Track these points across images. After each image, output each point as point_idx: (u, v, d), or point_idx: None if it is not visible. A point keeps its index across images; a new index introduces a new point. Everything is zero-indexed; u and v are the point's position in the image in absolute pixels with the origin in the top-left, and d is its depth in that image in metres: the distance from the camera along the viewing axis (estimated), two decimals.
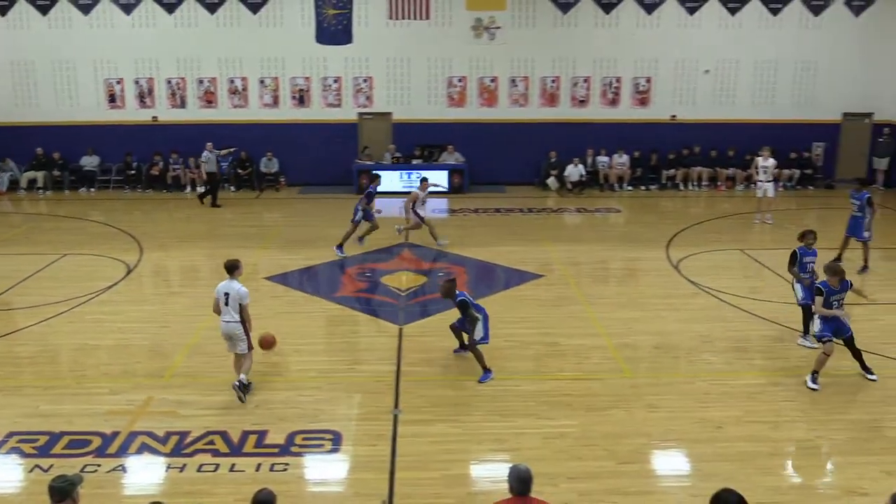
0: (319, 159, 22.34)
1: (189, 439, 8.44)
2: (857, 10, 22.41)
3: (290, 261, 15.22)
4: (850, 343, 9.89)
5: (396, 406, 9.23)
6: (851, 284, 10.00)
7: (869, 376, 9.96)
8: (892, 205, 20.98)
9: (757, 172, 18.76)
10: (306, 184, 22.48)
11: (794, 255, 11.11)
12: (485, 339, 9.97)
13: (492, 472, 7.83)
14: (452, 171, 21.81)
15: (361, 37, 21.82)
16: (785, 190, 22.50)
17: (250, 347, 9.46)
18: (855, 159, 23.37)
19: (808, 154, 23.15)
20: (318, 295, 13.27)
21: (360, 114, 22.66)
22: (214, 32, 21.93)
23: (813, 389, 9.63)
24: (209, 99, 22.45)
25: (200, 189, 21.03)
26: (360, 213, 15.59)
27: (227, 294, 9.24)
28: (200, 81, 22.34)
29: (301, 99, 22.48)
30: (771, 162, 18.68)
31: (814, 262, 11.10)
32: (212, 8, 21.81)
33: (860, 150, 23.36)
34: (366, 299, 13.15)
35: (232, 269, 9.34)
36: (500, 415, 9.00)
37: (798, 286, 11.06)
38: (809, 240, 11.14)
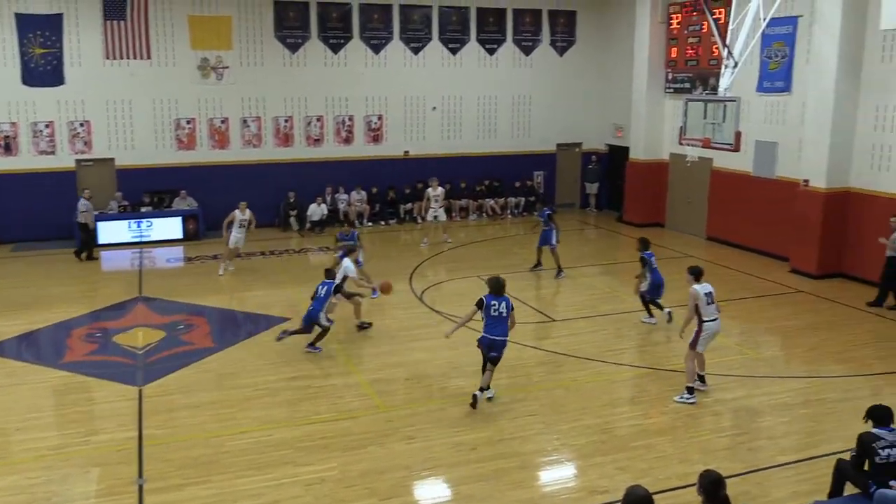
0: (33, 213, 20.39)
1: None
2: (561, 51, 24.88)
3: (4, 327, 13.67)
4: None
5: (140, 475, 8.59)
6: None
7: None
8: (605, 225, 23.38)
9: (429, 201, 20.39)
10: (19, 240, 20.39)
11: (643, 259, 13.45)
12: None
13: None
14: (186, 217, 20.93)
15: (75, 78, 20.37)
16: (512, 217, 24.26)
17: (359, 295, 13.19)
18: (570, 185, 25.84)
19: (530, 182, 25.16)
20: (41, 363, 12.02)
21: (79, 161, 21.05)
22: None
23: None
24: None
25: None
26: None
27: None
28: None
29: (7, 146, 20.42)
30: (440, 190, 20.41)
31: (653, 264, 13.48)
32: None
33: (573, 176, 25.85)
34: (98, 362, 12.11)
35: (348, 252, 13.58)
36: (256, 468, 8.70)
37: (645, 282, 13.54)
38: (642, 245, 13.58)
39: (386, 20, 22.96)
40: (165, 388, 10.94)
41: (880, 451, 7.02)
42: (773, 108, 18.52)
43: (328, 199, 22.64)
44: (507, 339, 10.37)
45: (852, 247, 16.61)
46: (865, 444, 7.15)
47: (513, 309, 10.40)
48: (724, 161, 19.60)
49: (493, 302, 10.37)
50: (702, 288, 10.35)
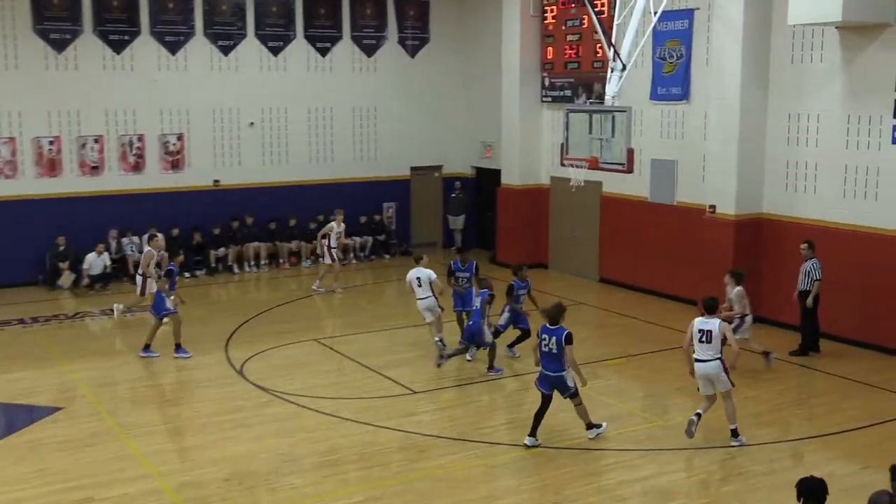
0: None
1: None
2: (412, 51, 25.40)
3: None
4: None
5: None
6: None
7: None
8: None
9: (329, 238, 20.78)
10: None
11: (510, 287, 15.21)
12: None
13: None
14: None
15: None
16: (358, 262, 24.30)
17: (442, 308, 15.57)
18: (429, 219, 26.22)
19: (380, 217, 25.34)
20: None
21: None
22: None
23: None
24: None
25: None
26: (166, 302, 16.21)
27: (418, 278, 15.52)
28: None
29: None
30: (343, 227, 21.06)
31: (525, 293, 15.36)
32: None
33: (433, 208, 26.24)
34: None
35: (418, 259, 15.92)
36: None
37: (504, 315, 15.40)
38: (522, 273, 15.40)
39: (185, 11, 22.75)
40: None
41: None
42: (671, 119, 19.61)
43: (112, 245, 21.97)
44: (565, 372, 11.39)
45: (769, 285, 17.63)
46: None
47: (569, 344, 11.15)
48: (615, 185, 20.49)
49: (543, 336, 11.33)
50: (699, 322, 11.48)
